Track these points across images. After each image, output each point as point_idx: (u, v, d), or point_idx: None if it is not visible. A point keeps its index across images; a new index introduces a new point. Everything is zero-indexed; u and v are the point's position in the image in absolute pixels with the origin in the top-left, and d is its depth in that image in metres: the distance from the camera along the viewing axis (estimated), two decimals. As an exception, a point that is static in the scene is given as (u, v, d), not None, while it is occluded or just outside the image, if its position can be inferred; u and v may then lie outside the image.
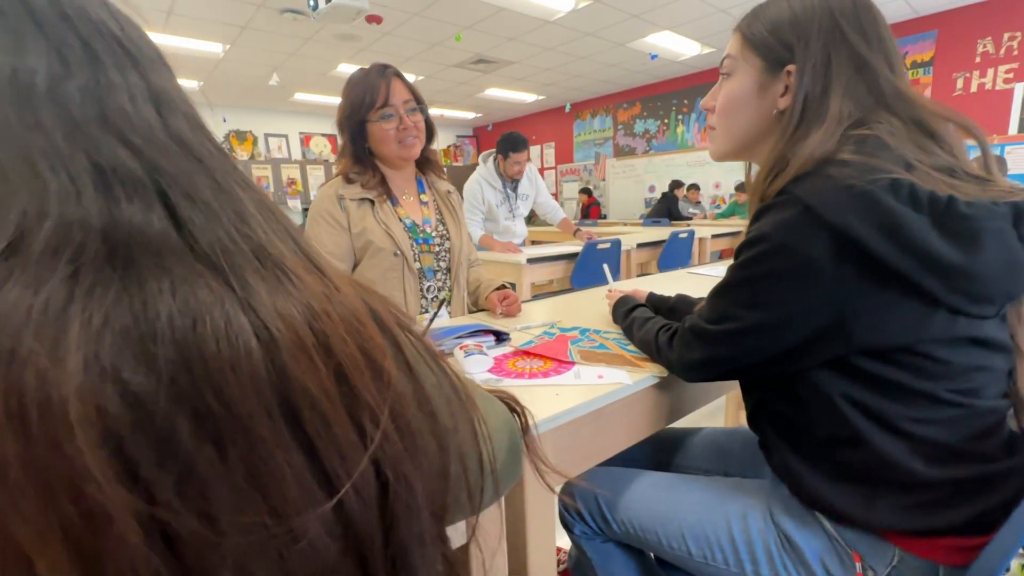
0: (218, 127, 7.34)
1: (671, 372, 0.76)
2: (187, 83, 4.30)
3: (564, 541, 0.91)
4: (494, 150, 2.80)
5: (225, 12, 4.10)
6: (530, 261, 2.56)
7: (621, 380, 0.75)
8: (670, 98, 7.01)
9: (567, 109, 7.68)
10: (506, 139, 2.70)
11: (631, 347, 0.91)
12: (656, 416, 0.83)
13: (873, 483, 0.57)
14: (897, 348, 0.54)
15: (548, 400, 0.70)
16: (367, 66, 1.18)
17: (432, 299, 1.24)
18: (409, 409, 0.27)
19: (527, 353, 0.90)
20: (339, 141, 1.21)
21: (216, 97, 6.86)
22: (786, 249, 0.54)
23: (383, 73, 1.15)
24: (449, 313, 1.27)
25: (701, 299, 1.01)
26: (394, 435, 0.26)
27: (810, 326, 0.55)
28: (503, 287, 1.27)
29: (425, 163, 1.32)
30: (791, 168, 0.58)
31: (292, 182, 7.74)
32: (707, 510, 0.71)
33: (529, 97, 7.62)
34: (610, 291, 1.09)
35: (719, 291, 0.63)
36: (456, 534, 0.59)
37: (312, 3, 3.63)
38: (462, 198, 2.40)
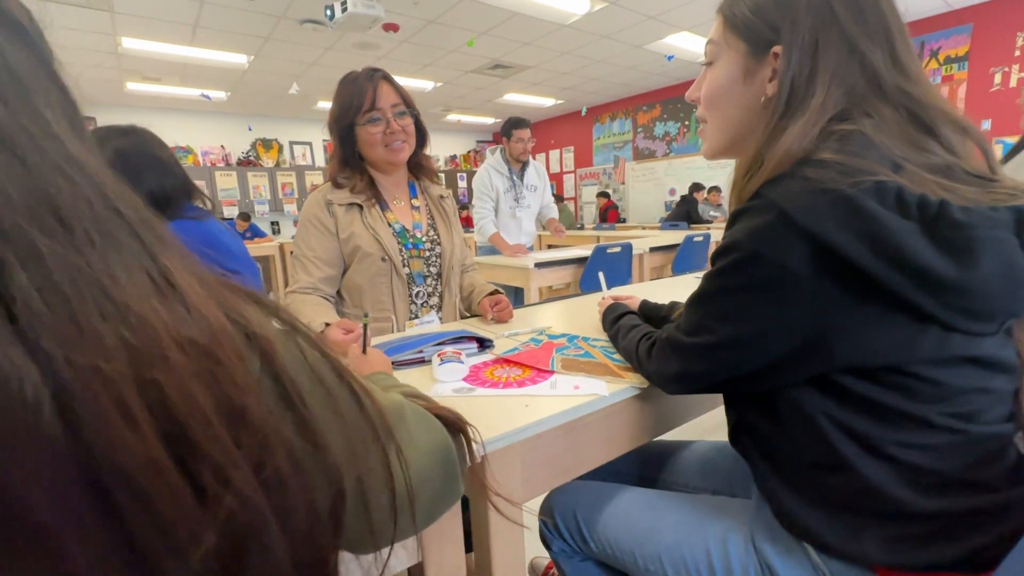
0: (244, 136, 7.56)
1: (651, 384, 0.72)
2: (216, 93, 4.40)
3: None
4: (500, 145, 2.87)
5: (248, 24, 4.22)
6: (538, 265, 2.53)
7: (597, 391, 0.72)
8: (691, 100, 6.89)
9: (583, 113, 7.62)
10: (508, 120, 2.76)
11: (617, 356, 0.87)
12: (638, 430, 0.79)
13: (859, 512, 0.52)
14: (884, 367, 0.49)
15: (518, 411, 0.67)
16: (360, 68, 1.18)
17: (422, 305, 1.23)
18: (280, 454, 0.25)
19: (507, 361, 0.88)
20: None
21: (243, 107, 7.07)
22: (760, 259, 0.50)
23: (371, 77, 1.15)
24: (440, 319, 1.25)
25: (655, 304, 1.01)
26: (254, 492, 0.23)
27: (788, 342, 0.51)
28: (496, 292, 1.24)
29: (417, 168, 1.31)
30: (766, 166, 0.54)
31: (315, 187, 7.92)
32: (687, 532, 0.67)
33: (547, 101, 7.60)
34: (603, 299, 1.05)
35: (694, 300, 0.60)
36: (406, 552, 0.57)
37: (329, 12, 3.71)
38: (470, 199, 2.41)
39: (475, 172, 2.85)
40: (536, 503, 0.83)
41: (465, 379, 0.80)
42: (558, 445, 0.69)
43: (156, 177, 1.10)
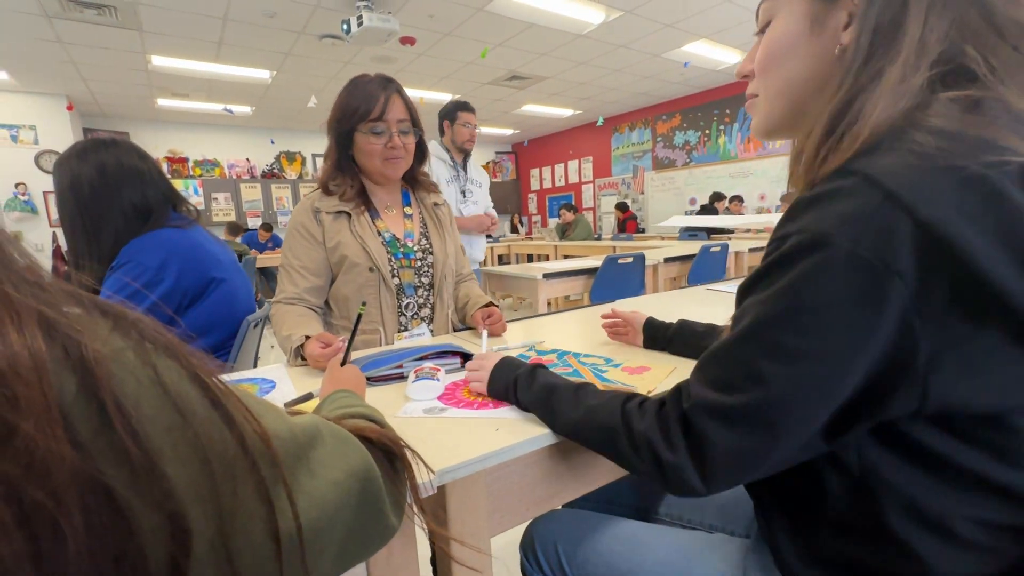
0: (268, 149, 7.76)
1: (663, 483, 0.47)
2: (241, 108, 4.50)
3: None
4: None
5: (270, 40, 4.33)
6: (547, 276, 2.48)
7: None
8: (711, 108, 6.78)
9: (599, 123, 7.58)
10: (451, 102, 2.37)
11: (609, 374, 0.81)
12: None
13: None
14: (981, 416, 0.39)
15: (486, 435, 0.62)
16: (371, 74, 1.15)
17: (412, 316, 1.19)
18: (62, 488, 0.21)
19: None
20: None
21: (266, 121, 7.27)
22: (856, 260, 0.37)
23: (385, 87, 1.12)
24: (432, 331, 1.21)
25: (710, 326, 0.88)
26: (11, 528, 0.19)
27: (875, 377, 0.39)
28: (490, 304, 1.20)
29: (413, 182, 1.28)
30: (858, 131, 0.41)
31: (306, 196, 8.10)
32: (671, 573, 0.60)
33: (565, 112, 7.59)
34: (484, 353, 0.80)
35: (743, 336, 0.43)
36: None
37: (346, 27, 3.78)
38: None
39: (494, 183, 2.59)
40: (514, 534, 0.77)
41: (440, 397, 0.76)
42: (531, 474, 0.63)
43: (137, 188, 1.10)
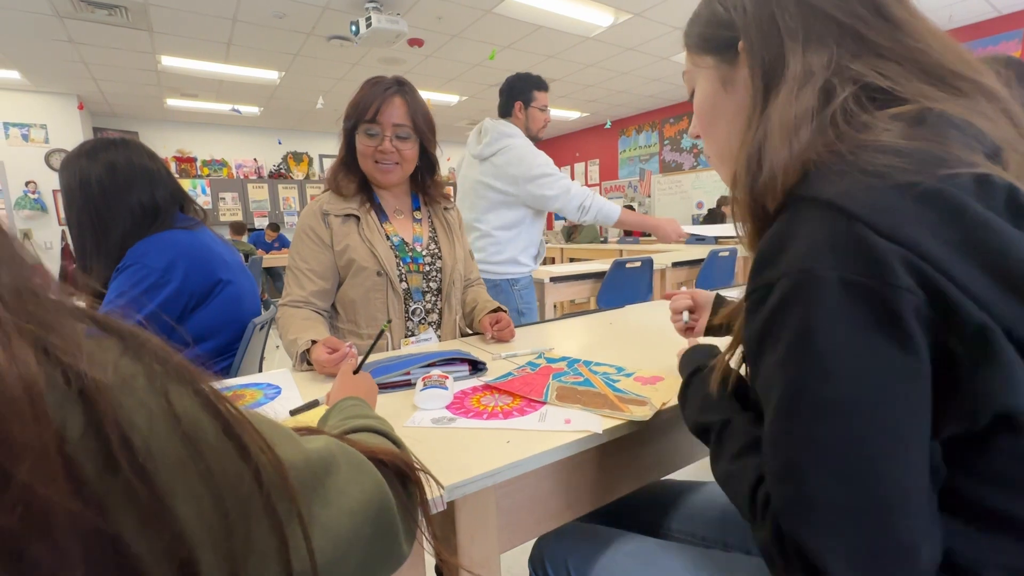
0: (276, 149, 7.79)
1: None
2: (249, 109, 4.46)
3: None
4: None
5: (278, 41, 4.34)
6: (553, 280, 2.45)
7: (590, 427, 0.64)
8: (719, 111, 6.74)
9: (607, 125, 7.55)
10: (524, 77, 1.90)
11: (621, 384, 0.79)
12: (638, 470, 0.71)
13: None
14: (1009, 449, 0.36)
15: (496, 448, 0.60)
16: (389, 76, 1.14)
17: (419, 322, 1.17)
18: (64, 532, 0.19)
19: (497, 389, 0.81)
20: None
21: (274, 122, 7.29)
22: (850, 287, 0.35)
23: (387, 88, 1.11)
24: (439, 337, 1.20)
25: (731, 301, 0.81)
26: None
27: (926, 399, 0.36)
28: (498, 310, 1.18)
29: (424, 193, 1.26)
30: (780, 162, 0.42)
31: (314, 198, 8.10)
32: (687, 595, 0.58)
33: (572, 114, 7.57)
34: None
35: (784, 411, 0.39)
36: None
37: (354, 28, 3.78)
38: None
39: None
40: (523, 551, 0.75)
41: (448, 406, 0.74)
42: (542, 488, 0.62)
43: (146, 188, 1.09)
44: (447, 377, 0.78)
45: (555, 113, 7.39)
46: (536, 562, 0.75)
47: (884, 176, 0.37)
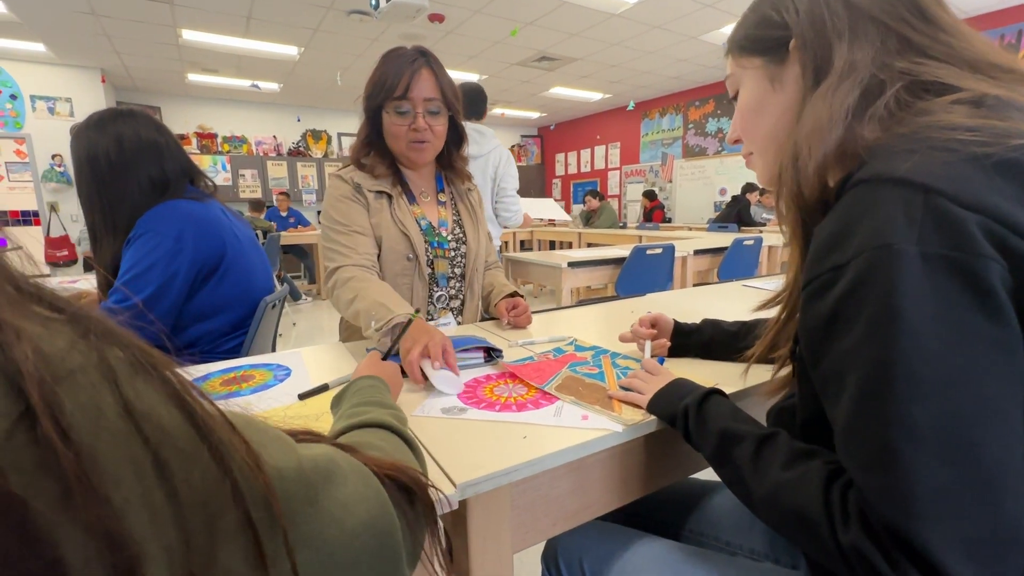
0: (295, 127, 7.78)
1: None
2: (268, 85, 4.42)
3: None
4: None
5: (298, 15, 4.28)
6: (571, 265, 2.40)
7: (608, 427, 0.60)
8: (748, 95, 6.50)
9: (630, 107, 7.35)
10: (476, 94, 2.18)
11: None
12: (660, 470, 0.67)
13: None
14: None
15: (513, 444, 0.56)
16: (408, 46, 1.06)
17: (442, 308, 1.13)
18: None
19: (512, 375, 0.77)
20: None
21: (293, 99, 7.27)
22: (934, 260, 0.34)
23: (414, 60, 1.02)
24: (459, 322, 1.16)
25: (738, 324, 0.81)
26: None
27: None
28: (515, 294, 1.13)
29: (449, 168, 1.20)
30: (825, 148, 0.44)
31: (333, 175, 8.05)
32: (712, 606, 0.54)
33: (594, 96, 7.39)
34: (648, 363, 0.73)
35: (868, 395, 0.36)
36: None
37: (374, 2, 3.69)
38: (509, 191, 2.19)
39: (519, 167, 2.32)
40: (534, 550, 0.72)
41: (461, 395, 0.71)
42: (560, 487, 0.58)
43: (155, 161, 1.06)
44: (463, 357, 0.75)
45: (576, 94, 7.22)
46: (549, 559, 0.72)
47: (956, 150, 0.37)
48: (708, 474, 0.78)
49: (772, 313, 0.57)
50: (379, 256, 1.07)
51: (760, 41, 0.54)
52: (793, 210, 0.49)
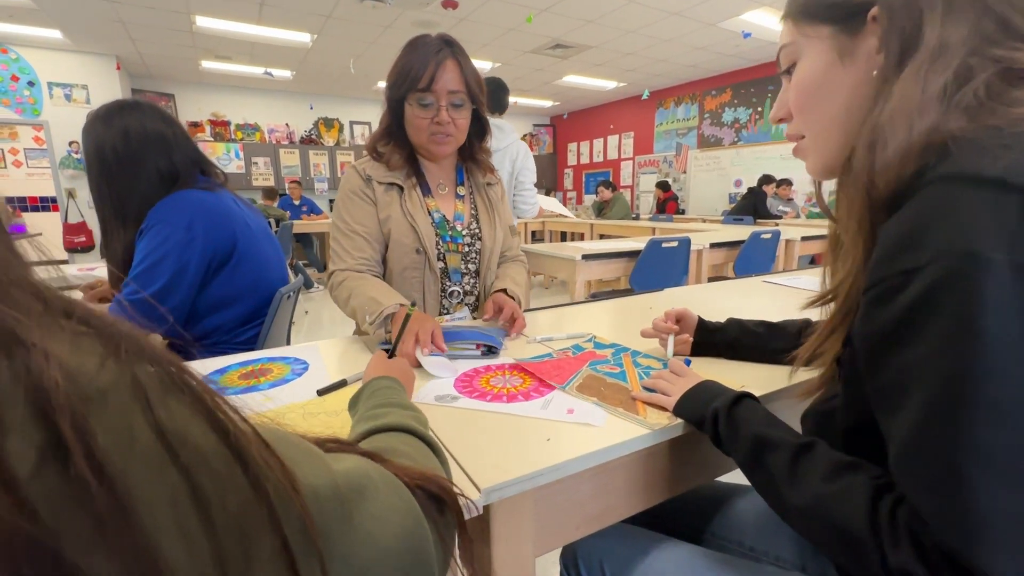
0: (307, 115, 7.77)
1: None
2: (281, 73, 4.43)
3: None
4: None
5: (311, 1, 4.25)
6: (585, 257, 2.38)
7: (591, 420, 0.61)
8: (765, 84, 6.37)
9: (645, 96, 7.23)
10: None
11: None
12: (685, 473, 0.65)
13: None
14: None
15: (536, 447, 0.55)
16: (433, 34, 1.03)
17: (456, 303, 1.12)
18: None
19: (522, 369, 0.77)
20: None
21: (306, 86, 7.25)
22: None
23: (439, 50, 0.99)
24: (474, 317, 1.15)
25: (763, 324, 0.79)
26: None
27: None
28: (504, 291, 1.06)
29: (471, 160, 1.17)
30: (915, 137, 0.39)
31: (348, 165, 8.05)
32: (739, 615, 0.53)
33: (609, 84, 7.28)
34: (675, 365, 0.71)
35: (936, 413, 0.34)
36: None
37: (388, -12, 3.65)
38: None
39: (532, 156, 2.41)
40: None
41: (457, 383, 0.72)
42: (582, 491, 0.57)
43: (163, 153, 1.06)
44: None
45: (590, 82, 7.12)
46: (568, 560, 0.71)
47: None
48: (732, 477, 0.76)
49: (802, 314, 0.54)
50: (387, 249, 1.06)
51: (832, 7, 0.48)
52: (860, 203, 0.43)
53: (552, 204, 3.32)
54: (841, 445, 0.47)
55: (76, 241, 5.78)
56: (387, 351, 0.72)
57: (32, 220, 6.90)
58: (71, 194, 5.82)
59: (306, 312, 4.40)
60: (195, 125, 7.05)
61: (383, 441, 0.42)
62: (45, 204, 7.18)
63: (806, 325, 0.76)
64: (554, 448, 0.55)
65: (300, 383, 0.74)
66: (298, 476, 0.24)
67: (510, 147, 2.16)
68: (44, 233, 5.27)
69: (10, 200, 6.97)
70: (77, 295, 1.22)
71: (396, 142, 1.08)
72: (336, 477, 0.27)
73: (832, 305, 0.50)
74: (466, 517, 0.45)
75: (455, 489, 0.37)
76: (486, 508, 0.49)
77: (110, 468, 0.17)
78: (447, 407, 0.65)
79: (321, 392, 0.68)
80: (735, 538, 0.69)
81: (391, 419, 0.45)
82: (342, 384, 0.70)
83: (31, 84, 5.43)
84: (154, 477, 0.18)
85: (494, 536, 0.50)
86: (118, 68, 5.74)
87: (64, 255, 5.33)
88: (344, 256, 1.03)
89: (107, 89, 5.72)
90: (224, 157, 7.09)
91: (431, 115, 1.00)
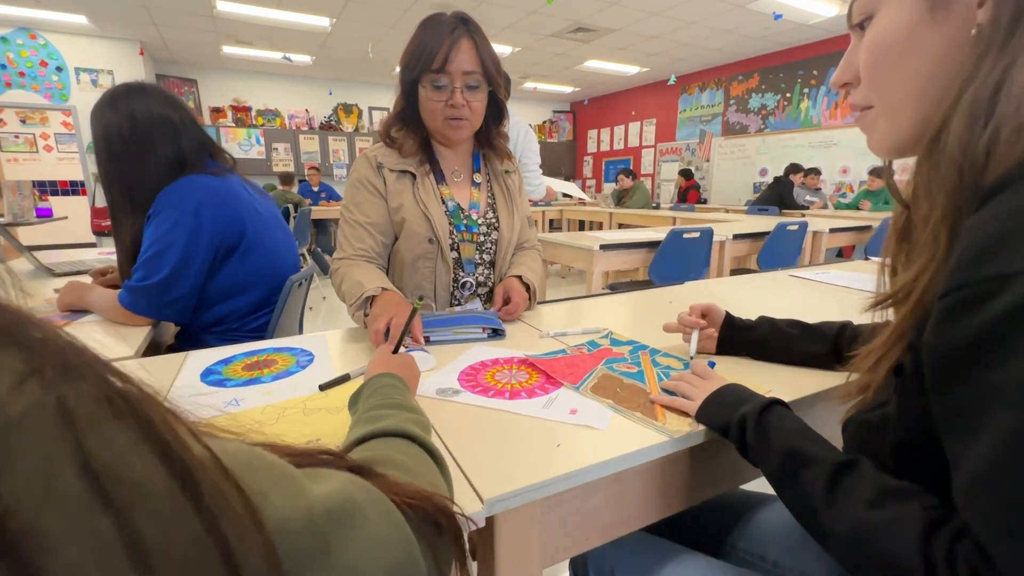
0: (326, 100, 7.78)
1: None
2: (301, 58, 4.46)
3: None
4: None
5: (329, -15, 4.21)
6: (603, 247, 2.32)
7: (592, 423, 0.57)
8: (795, 68, 6.13)
9: (671, 81, 7.03)
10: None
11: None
12: (706, 481, 0.61)
13: None
14: None
15: (546, 454, 0.52)
16: (448, 12, 0.98)
17: (469, 293, 1.09)
18: None
19: (532, 365, 0.74)
20: None
21: (325, 71, 7.25)
22: None
23: (453, 29, 0.94)
24: (487, 308, 1.11)
25: (797, 325, 0.74)
26: None
27: None
28: (520, 279, 1.04)
29: (488, 146, 1.13)
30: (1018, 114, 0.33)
31: (363, 151, 8.03)
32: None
33: (631, 69, 7.10)
34: (696, 367, 0.66)
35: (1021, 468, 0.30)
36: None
37: (406, -30, 3.58)
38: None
39: (549, 143, 2.38)
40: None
41: (461, 376, 0.70)
42: (594, 500, 0.53)
43: (170, 139, 1.04)
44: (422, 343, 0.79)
45: (610, 67, 6.95)
46: (578, 565, 0.68)
47: None
48: (755, 485, 0.72)
49: (851, 315, 0.49)
50: (398, 239, 1.03)
51: None
52: (950, 189, 0.37)
53: (565, 186, 3.25)
54: (890, 463, 0.42)
55: (103, 225, 5.90)
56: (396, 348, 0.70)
57: (62, 204, 7.09)
58: (98, 179, 5.94)
59: (323, 298, 4.43)
60: (217, 111, 7.12)
61: (380, 449, 0.39)
62: (75, 188, 7.36)
63: (844, 328, 0.70)
64: (565, 455, 0.51)
65: (304, 376, 0.72)
66: (265, 509, 0.21)
67: (510, 129, 2.18)
68: (72, 217, 5.40)
69: (41, 184, 7.17)
70: (86, 279, 1.22)
71: (410, 127, 1.04)
72: (313, 505, 0.23)
73: (894, 308, 0.43)
74: (469, 530, 0.42)
75: (455, 509, 0.34)
76: (490, 520, 0.46)
77: (16, 523, 0.14)
78: (449, 402, 0.62)
79: (323, 387, 0.66)
80: (756, 551, 0.65)
81: (390, 423, 0.42)
82: (345, 379, 0.67)
83: (59, 69, 5.53)
84: (76, 528, 0.15)
85: (498, 547, 0.47)
86: (141, 53, 5.80)
87: (92, 238, 5.44)
88: (345, 246, 1.01)
89: (132, 74, 5.80)
90: (245, 143, 7.15)
91: (445, 98, 0.96)
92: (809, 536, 0.63)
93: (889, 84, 0.43)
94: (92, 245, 5.26)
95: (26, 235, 6.08)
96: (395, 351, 0.64)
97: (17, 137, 7.04)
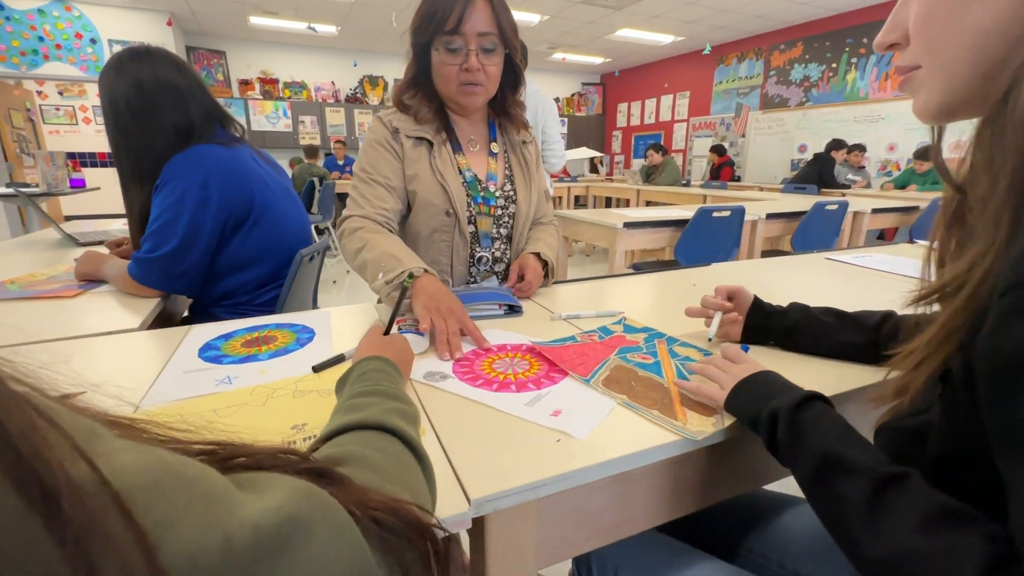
0: (352, 72, 7.71)
1: None
2: (326, 28, 4.44)
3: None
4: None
5: (353, -50, 4.11)
6: (627, 225, 2.23)
7: (572, 431, 0.50)
8: (843, 36, 5.73)
9: (706, 51, 6.68)
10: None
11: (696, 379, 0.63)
12: (721, 481, 0.56)
13: None
14: None
15: (543, 449, 0.47)
16: None
17: (485, 270, 1.04)
18: None
19: (539, 353, 0.69)
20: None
21: (350, 43, 7.17)
22: None
23: None
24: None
25: (832, 313, 0.68)
26: None
27: None
28: (538, 256, 1.00)
29: (504, 116, 1.07)
30: None
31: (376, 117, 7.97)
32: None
33: (665, 38, 6.77)
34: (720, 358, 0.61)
35: None
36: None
37: (430, -67, 3.45)
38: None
39: (577, 117, 2.35)
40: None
41: (456, 365, 0.66)
42: (597, 500, 0.49)
43: (177, 107, 1.01)
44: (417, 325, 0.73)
45: (643, 36, 6.65)
46: (582, 562, 0.65)
47: None
48: (778, 485, 0.67)
49: (894, 306, 0.42)
50: (411, 211, 0.98)
51: None
52: (1015, 164, 0.32)
53: (578, 152, 3.20)
54: (930, 478, 0.37)
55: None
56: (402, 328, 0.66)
57: (102, 175, 7.30)
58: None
59: (347, 271, 4.47)
60: (245, 83, 7.15)
61: (353, 444, 0.35)
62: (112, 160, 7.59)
63: (887, 318, 0.63)
64: (565, 451, 0.47)
65: (301, 354, 0.69)
66: (167, 543, 0.17)
67: (530, 97, 2.07)
68: (105, 188, 5.56)
69: (81, 156, 7.39)
70: (103, 250, 1.23)
71: (423, 93, 0.99)
72: (235, 533, 0.19)
73: (941, 303, 0.38)
74: (454, 532, 0.39)
75: (431, 520, 0.30)
76: (480, 520, 0.43)
77: None
78: (438, 389, 0.59)
79: (316, 368, 0.63)
80: (775, 557, 0.60)
81: (370, 413, 0.39)
82: (340, 360, 0.65)
83: (93, 41, 5.62)
84: None
85: (489, 547, 0.44)
86: (169, 24, 5.84)
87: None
88: (362, 203, 0.94)
89: (162, 45, 5.84)
90: (272, 115, 7.19)
91: (459, 61, 0.90)
92: (828, 543, 0.57)
93: (940, 40, 0.37)
94: (123, 216, 5.42)
95: (67, 205, 6.30)
96: (387, 332, 0.61)
97: (58, 110, 7.24)
